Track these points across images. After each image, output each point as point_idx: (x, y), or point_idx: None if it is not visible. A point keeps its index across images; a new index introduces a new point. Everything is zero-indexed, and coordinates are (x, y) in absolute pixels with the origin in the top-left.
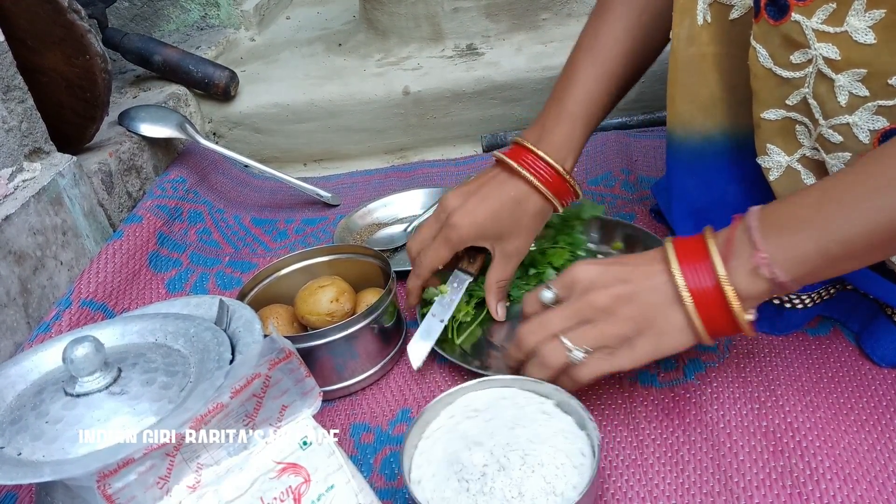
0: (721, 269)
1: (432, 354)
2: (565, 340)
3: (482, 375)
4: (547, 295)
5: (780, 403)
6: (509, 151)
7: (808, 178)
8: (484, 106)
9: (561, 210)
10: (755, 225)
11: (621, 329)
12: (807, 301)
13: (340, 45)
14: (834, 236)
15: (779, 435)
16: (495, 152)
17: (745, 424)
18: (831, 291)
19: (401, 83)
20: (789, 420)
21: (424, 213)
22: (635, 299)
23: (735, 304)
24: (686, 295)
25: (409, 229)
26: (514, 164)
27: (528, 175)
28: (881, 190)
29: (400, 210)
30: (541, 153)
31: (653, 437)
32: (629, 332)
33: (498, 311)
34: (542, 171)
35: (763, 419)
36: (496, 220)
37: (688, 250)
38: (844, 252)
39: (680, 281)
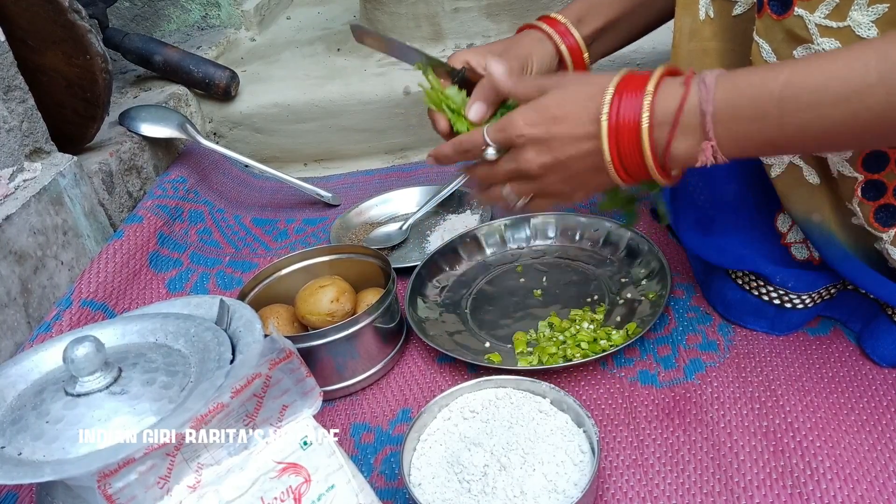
0: (645, 130)
1: (433, 354)
2: (506, 191)
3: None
4: (490, 153)
5: (781, 403)
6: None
7: (811, 175)
8: None
9: (567, 55)
10: (710, 110)
11: (553, 189)
12: (807, 301)
13: (339, 49)
14: (786, 133)
15: (779, 435)
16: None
17: (746, 424)
18: (832, 291)
19: (401, 83)
20: (790, 420)
21: (421, 210)
22: (561, 169)
23: (647, 152)
24: (608, 160)
25: (405, 227)
26: (534, 22)
27: (544, 26)
28: (844, 100)
29: (396, 208)
30: (558, 16)
31: (653, 436)
32: (558, 191)
33: (472, 110)
34: (559, 28)
35: (763, 419)
36: (499, 45)
37: (621, 103)
38: (788, 145)
39: (606, 155)
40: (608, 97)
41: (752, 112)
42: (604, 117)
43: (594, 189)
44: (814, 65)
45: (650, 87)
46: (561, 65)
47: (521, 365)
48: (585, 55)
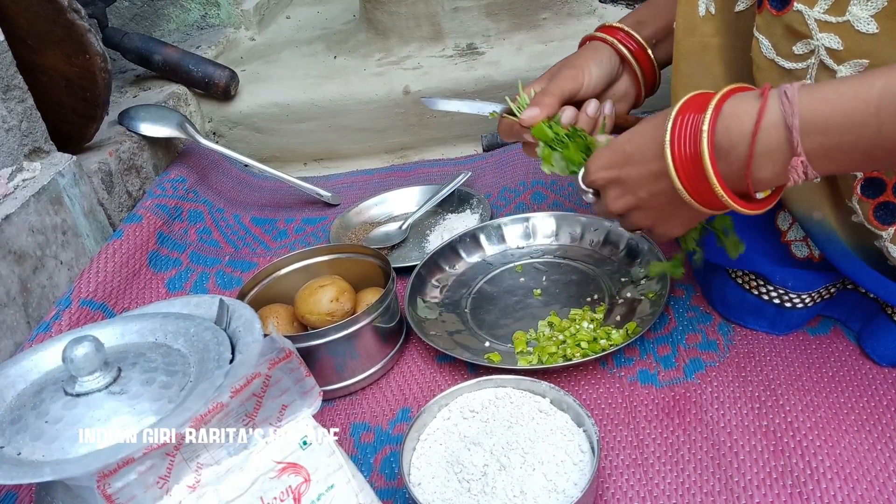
0: (706, 158)
1: (432, 353)
2: (621, 228)
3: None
4: (589, 198)
5: (781, 403)
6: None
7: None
8: None
9: (630, 56)
10: (797, 124)
11: (642, 224)
12: (807, 301)
13: (336, 56)
14: (884, 142)
15: (779, 434)
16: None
17: (746, 424)
18: (831, 291)
19: (401, 83)
20: (789, 419)
21: (420, 209)
22: (644, 207)
23: (713, 180)
24: (681, 188)
25: (405, 227)
26: (596, 34)
27: (607, 37)
28: None
29: (395, 207)
30: (619, 24)
31: (653, 436)
32: (648, 227)
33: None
34: (619, 36)
35: (763, 419)
36: (557, 65)
37: (681, 132)
38: (886, 156)
39: (678, 184)
40: (670, 121)
41: (846, 122)
42: (666, 146)
43: (688, 221)
44: None
45: (711, 104)
46: (627, 68)
47: (521, 364)
48: (650, 53)
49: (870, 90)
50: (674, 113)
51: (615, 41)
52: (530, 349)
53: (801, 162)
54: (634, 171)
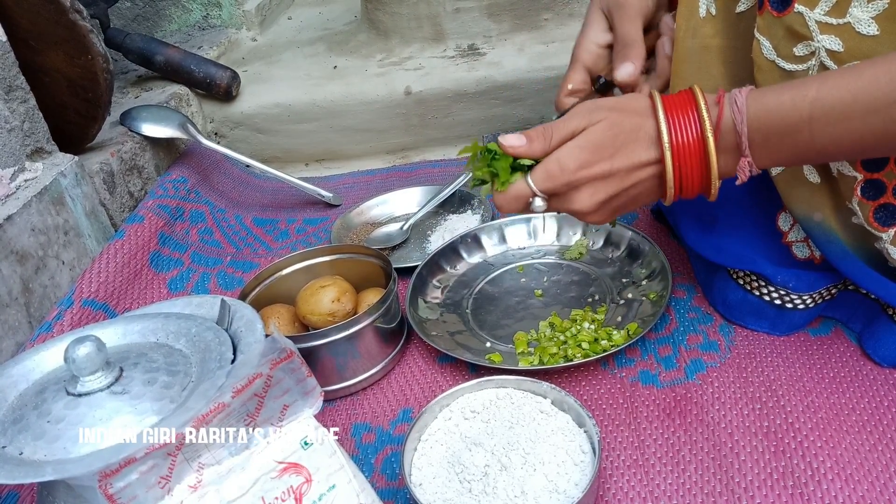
0: (712, 148)
1: (434, 354)
2: (536, 206)
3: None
4: (538, 205)
5: (782, 404)
6: None
7: (811, 174)
8: (486, 106)
9: None
10: (745, 130)
11: (594, 220)
12: (808, 302)
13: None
14: (816, 146)
15: (780, 435)
16: None
17: (747, 425)
18: (832, 292)
19: (402, 83)
20: (790, 420)
21: (421, 210)
22: (615, 202)
23: (715, 175)
24: (670, 179)
25: (406, 227)
26: None
27: None
28: (873, 113)
29: (397, 208)
30: None
31: (654, 437)
32: (603, 218)
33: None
34: None
35: (764, 419)
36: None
37: (679, 122)
38: (819, 157)
39: (669, 174)
40: (663, 120)
41: (784, 129)
42: (665, 141)
43: (630, 209)
44: (841, 81)
45: (700, 101)
46: None
47: (522, 365)
48: None
49: (804, 100)
50: (663, 109)
51: None
52: (531, 350)
53: (748, 162)
54: (620, 168)
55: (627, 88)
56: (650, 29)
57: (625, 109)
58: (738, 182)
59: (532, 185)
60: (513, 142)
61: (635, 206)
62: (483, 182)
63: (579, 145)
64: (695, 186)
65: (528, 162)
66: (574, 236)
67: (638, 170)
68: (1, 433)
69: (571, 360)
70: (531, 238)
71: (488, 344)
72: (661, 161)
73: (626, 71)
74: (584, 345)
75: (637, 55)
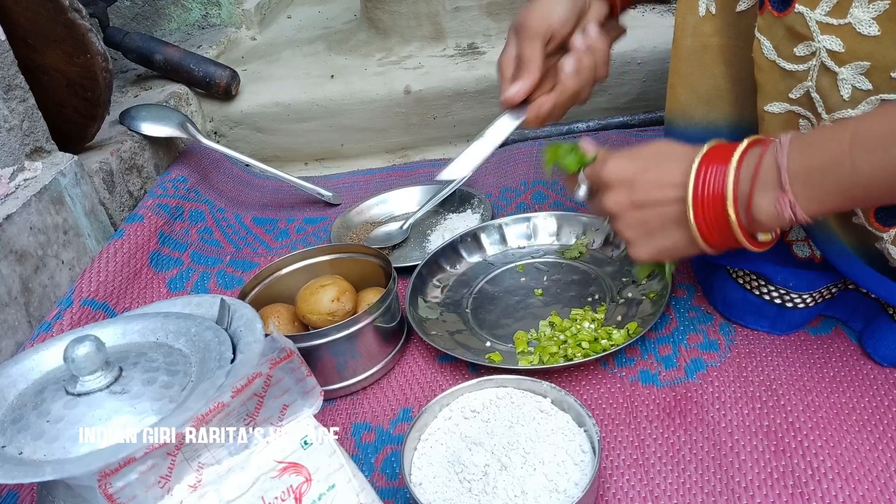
0: (729, 195)
1: (433, 353)
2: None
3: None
4: (581, 193)
5: (782, 403)
6: None
7: None
8: (485, 105)
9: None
10: (785, 163)
11: (621, 232)
12: (808, 301)
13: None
14: (860, 179)
15: (780, 434)
16: None
17: (747, 424)
18: (833, 291)
19: (402, 82)
20: (791, 420)
21: (421, 209)
22: (636, 214)
23: (733, 219)
24: (689, 208)
25: (406, 227)
26: None
27: None
28: None
29: (397, 207)
30: None
31: (654, 436)
32: (625, 237)
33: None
34: None
35: (764, 418)
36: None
37: (711, 163)
38: (865, 194)
39: (689, 213)
40: (695, 166)
41: (825, 161)
42: (690, 187)
43: (665, 246)
44: (878, 115)
45: (735, 157)
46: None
47: (522, 364)
48: None
49: (843, 133)
50: (701, 156)
51: None
52: (531, 349)
53: (789, 200)
54: (648, 179)
55: (517, 104)
56: (564, 47)
57: (676, 148)
58: (782, 225)
59: (581, 173)
60: (588, 146)
61: (663, 236)
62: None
63: (624, 153)
64: (726, 238)
65: None
66: (574, 236)
67: (664, 188)
68: (0, 433)
69: (571, 360)
70: (531, 237)
71: (488, 343)
72: (683, 200)
73: (513, 90)
74: (584, 344)
75: (528, 74)
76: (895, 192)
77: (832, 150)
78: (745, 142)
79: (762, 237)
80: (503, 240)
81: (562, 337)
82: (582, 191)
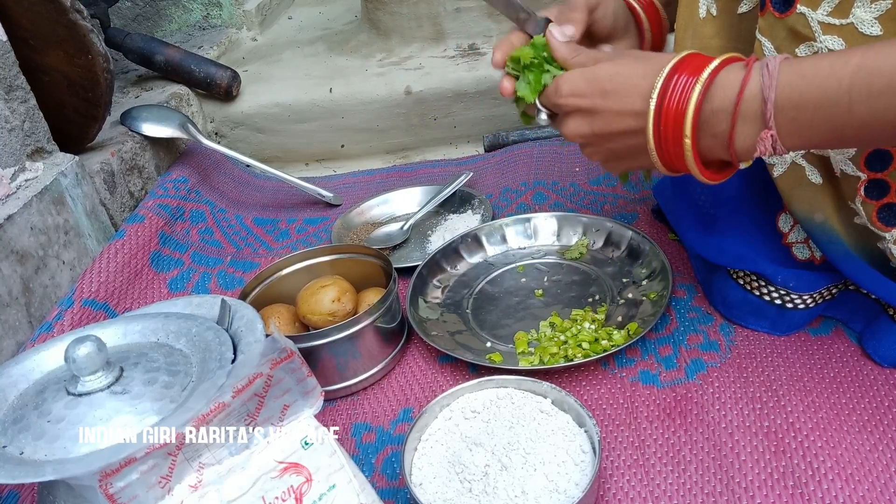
0: (689, 119)
1: (434, 353)
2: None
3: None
4: (542, 118)
5: (782, 404)
6: None
7: (813, 175)
8: (486, 106)
9: (641, 11)
10: (772, 97)
11: (588, 156)
12: (809, 301)
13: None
14: (853, 121)
15: (780, 435)
16: None
17: (747, 425)
18: (833, 292)
19: (402, 83)
20: (791, 420)
21: (422, 210)
22: (599, 144)
23: (688, 144)
24: (651, 145)
25: (406, 227)
26: None
27: None
28: None
29: (397, 208)
30: None
31: (654, 437)
32: (595, 160)
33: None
34: None
35: (765, 419)
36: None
37: (681, 74)
38: (855, 136)
39: (650, 136)
40: (663, 75)
41: (819, 99)
42: (653, 96)
43: (631, 166)
44: (888, 49)
45: (707, 70)
46: (638, 27)
47: (522, 365)
48: (662, 14)
49: (844, 67)
50: (667, 69)
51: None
52: (531, 350)
53: (771, 135)
54: (608, 109)
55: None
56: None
57: (646, 58)
58: (755, 156)
59: (537, 100)
60: (557, 34)
61: (631, 160)
62: (516, 78)
63: (582, 73)
64: (679, 160)
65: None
66: (574, 236)
67: (621, 117)
68: (1, 433)
69: (572, 360)
70: (532, 238)
71: (488, 344)
72: (644, 115)
73: (564, 31)
74: (585, 344)
75: (579, 21)
76: (886, 137)
77: (829, 87)
78: (721, 57)
79: (743, 164)
80: (504, 240)
81: (562, 337)
82: (542, 116)
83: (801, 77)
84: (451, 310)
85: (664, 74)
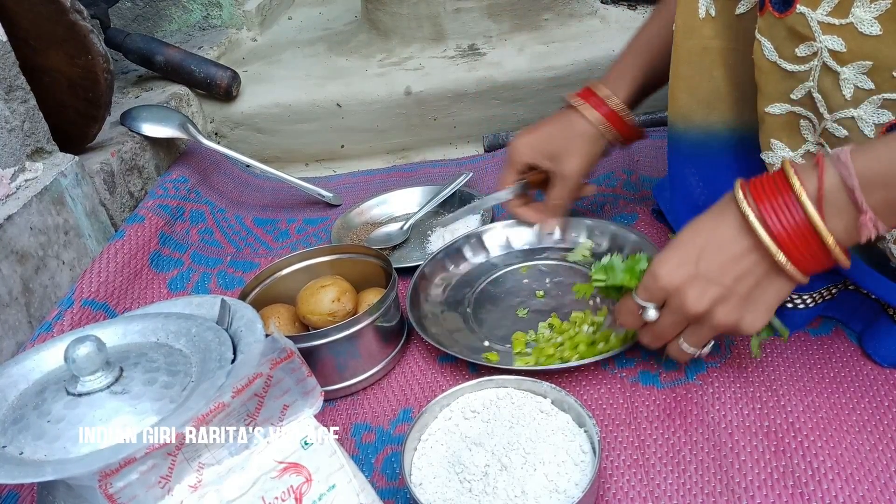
0: (815, 215)
1: (434, 353)
2: (685, 346)
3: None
4: (651, 314)
5: (782, 403)
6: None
7: None
8: (486, 106)
9: (615, 139)
10: (856, 184)
11: (727, 320)
12: (809, 301)
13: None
14: None
15: (780, 435)
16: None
17: (747, 424)
18: (833, 292)
19: (403, 83)
20: (791, 420)
21: (421, 210)
22: (730, 296)
23: (830, 241)
24: (780, 257)
25: (406, 227)
26: (569, 100)
27: (576, 104)
28: None
29: (397, 208)
30: (598, 89)
31: (654, 437)
32: (734, 321)
33: (547, 226)
34: (588, 99)
35: (765, 419)
36: (548, 140)
37: (769, 202)
38: None
39: (773, 249)
40: (753, 218)
41: None
42: (759, 228)
43: (771, 302)
44: None
45: (795, 183)
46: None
47: (518, 365)
48: (627, 119)
49: None
50: (744, 193)
51: (598, 122)
52: (528, 350)
53: (870, 218)
54: (714, 260)
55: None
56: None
57: (705, 214)
58: (862, 241)
59: (635, 297)
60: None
61: (761, 302)
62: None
63: (667, 253)
64: (821, 262)
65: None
66: (578, 238)
67: (734, 264)
68: (1, 433)
69: (567, 362)
70: (535, 239)
71: (486, 343)
72: (758, 247)
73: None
74: (581, 347)
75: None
76: None
77: None
78: (784, 167)
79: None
80: (507, 241)
81: (559, 339)
82: (650, 312)
83: (877, 160)
84: (451, 308)
85: (745, 203)
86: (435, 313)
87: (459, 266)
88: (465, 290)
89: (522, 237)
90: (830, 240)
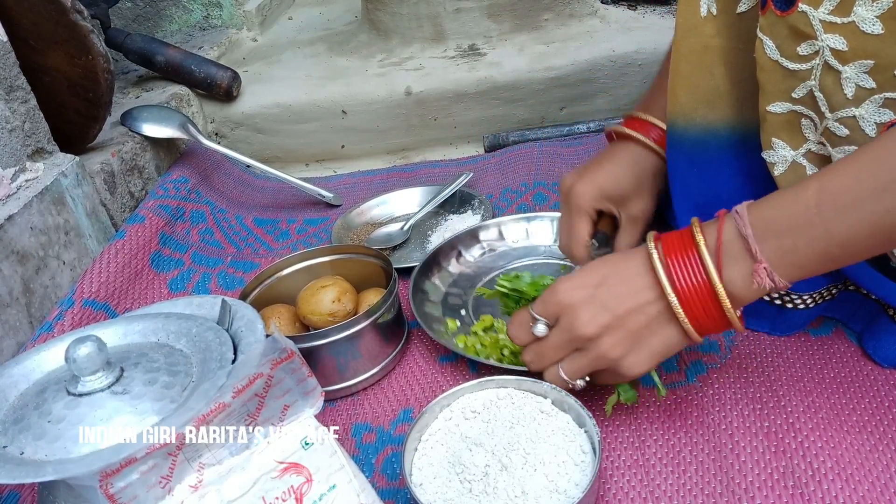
0: (716, 278)
1: (434, 353)
2: (562, 374)
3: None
4: (540, 329)
5: (782, 404)
6: (620, 123)
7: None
8: (486, 106)
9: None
10: (750, 233)
11: (611, 354)
12: (808, 301)
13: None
14: (835, 240)
15: (780, 435)
16: (606, 126)
17: (747, 425)
18: (833, 292)
19: (403, 83)
20: (791, 421)
21: (422, 210)
22: (619, 328)
23: (727, 305)
24: (678, 308)
25: (406, 227)
26: (626, 130)
27: (640, 137)
28: (883, 191)
29: (397, 208)
30: (649, 118)
31: (654, 437)
32: (617, 356)
33: None
34: (651, 133)
35: (765, 420)
36: (616, 181)
37: (676, 255)
38: (845, 253)
39: (672, 298)
40: (653, 250)
41: (793, 224)
42: (662, 276)
43: (656, 349)
44: (840, 168)
45: (699, 238)
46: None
47: (458, 345)
48: None
49: (805, 192)
50: (654, 244)
51: (661, 149)
52: (460, 334)
53: (764, 268)
54: (614, 289)
55: None
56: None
57: (622, 254)
58: (763, 294)
59: (531, 309)
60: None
61: (657, 337)
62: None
63: (567, 278)
64: (717, 323)
65: None
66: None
67: (636, 294)
68: (2, 433)
69: (501, 363)
70: (532, 238)
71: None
72: (657, 287)
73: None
74: (506, 352)
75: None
76: (882, 246)
77: (797, 212)
78: (692, 223)
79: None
80: (503, 240)
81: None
82: (539, 326)
83: (770, 209)
84: (451, 308)
85: (658, 258)
86: (436, 314)
87: (458, 265)
88: (465, 290)
89: (518, 236)
90: (727, 303)
